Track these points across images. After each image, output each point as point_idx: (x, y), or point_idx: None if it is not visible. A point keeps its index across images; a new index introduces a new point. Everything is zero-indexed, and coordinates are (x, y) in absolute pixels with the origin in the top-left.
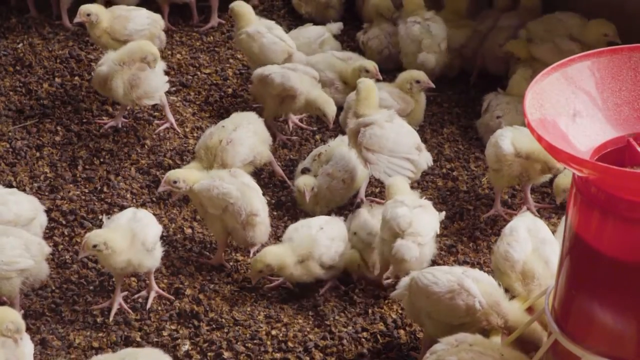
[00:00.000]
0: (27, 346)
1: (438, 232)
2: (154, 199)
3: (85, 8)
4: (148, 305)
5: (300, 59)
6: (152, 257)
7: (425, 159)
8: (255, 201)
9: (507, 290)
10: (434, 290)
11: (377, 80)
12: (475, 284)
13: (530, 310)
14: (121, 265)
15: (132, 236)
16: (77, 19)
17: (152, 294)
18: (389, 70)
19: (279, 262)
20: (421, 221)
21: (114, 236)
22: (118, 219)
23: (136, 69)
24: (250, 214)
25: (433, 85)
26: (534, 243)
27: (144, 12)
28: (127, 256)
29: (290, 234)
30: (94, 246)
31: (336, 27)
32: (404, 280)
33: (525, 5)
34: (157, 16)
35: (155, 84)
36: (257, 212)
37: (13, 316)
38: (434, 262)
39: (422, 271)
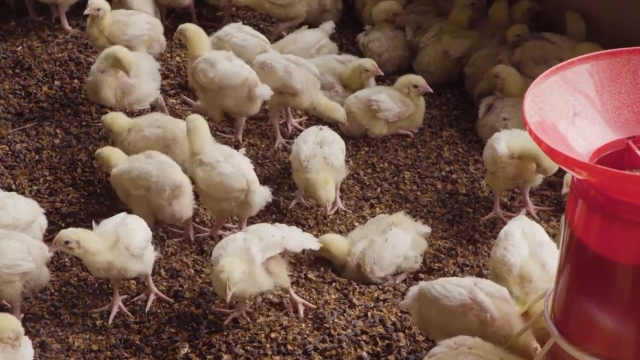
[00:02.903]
0: (27, 351)
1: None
2: None
3: (97, 1)
4: (147, 308)
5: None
6: (141, 263)
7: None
8: (176, 174)
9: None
10: (445, 304)
11: (377, 82)
12: (488, 299)
13: (525, 314)
14: (101, 266)
15: (115, 239)
16: (86, 11)
17: (151, 297)
18: (388, 73)
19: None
20: (246, 166)
21: (88, 236)
22: (105, 224)
23: (122, 76)
24: (174, 187)
25: (431, 90)
26: (530, 246)
27: (143, 17)
28: (107, 258)
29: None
30: (66, 242)
31: (329, 26)
32: (413, 290)
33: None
34: (157, 20)
35: (147, 89)
36: (180, 183)
37: (14, 325)
38: (431, 270)
39: (432, 283)
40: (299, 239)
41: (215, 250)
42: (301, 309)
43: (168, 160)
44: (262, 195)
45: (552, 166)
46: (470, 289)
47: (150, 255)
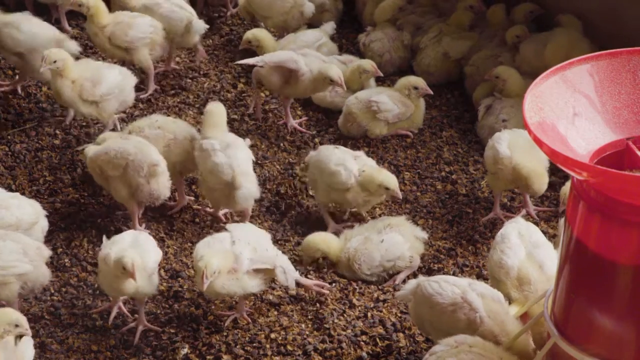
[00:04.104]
0: (28, 350)
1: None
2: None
3: None
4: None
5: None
6: (151, 283)
7: None
8: (153, 153)
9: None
10: (437, 301)
11: (377, 82)
12: (479, 299)
13: (525, 315)
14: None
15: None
16: (67, 7)
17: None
18: (389, 74)
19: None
20: (240, 159)
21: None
22: (120, 241)
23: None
24: (151, 165)
25: (431, 92)
26: (527, 248)
27: (147, 19)
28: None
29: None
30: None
31: (330, 27)
32: (411, 283)
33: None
34: (159, 24)
35: (114, 79)
36: (157, 162)
37: (15, 316)
38: (431, 270)
39: (430, 279)
40: (285, 271)
41: (200, 246)
42: (318, 289)
43: (145, 141)
44: (249, 192)
45: (539, 189)
46: (464, 289)
47: (156, 275)
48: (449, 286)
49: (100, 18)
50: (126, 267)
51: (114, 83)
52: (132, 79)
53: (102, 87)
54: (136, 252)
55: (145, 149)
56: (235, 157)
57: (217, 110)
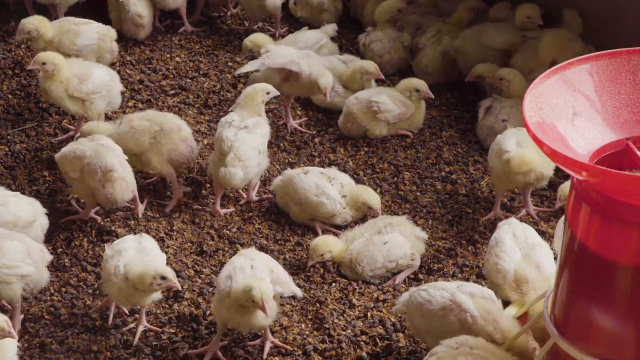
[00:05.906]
0: (11, 350)
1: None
2: (153, 202)
3: (24, 24)
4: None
5: None
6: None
7: None
8: (109, 158)
9: (503, 301)
10: (428, 308)
11: (377, 83)
12: (469, 299)
13: (525, 315)
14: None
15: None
16: (18, 37)
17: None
18: (389, 74)
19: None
20: (243, 144)
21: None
22: (126, 249)
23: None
24: (106, 171)
25: (432, 96)
26: (522, 249)
27: (94, 26)
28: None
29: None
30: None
31: (332, 29)
32: (404, 296)
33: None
34: (107, 30)
35: (102, 77)
36: (112, 167)
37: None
38: (431, 270)
39: (419, 288)
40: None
41: (224, 281)
42: (267, 348)
43: (109, 143)
44: (231, 175)
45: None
46: (452, 292)
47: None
48: (438, 292)
49: (47, 34)
50: (172, 284)
51: (101, 82)
52: (119, 84)
53: (89, 85)
54: (153, 259)
55: (102, 152)
56: (241, 139)
57: (248, 92)
